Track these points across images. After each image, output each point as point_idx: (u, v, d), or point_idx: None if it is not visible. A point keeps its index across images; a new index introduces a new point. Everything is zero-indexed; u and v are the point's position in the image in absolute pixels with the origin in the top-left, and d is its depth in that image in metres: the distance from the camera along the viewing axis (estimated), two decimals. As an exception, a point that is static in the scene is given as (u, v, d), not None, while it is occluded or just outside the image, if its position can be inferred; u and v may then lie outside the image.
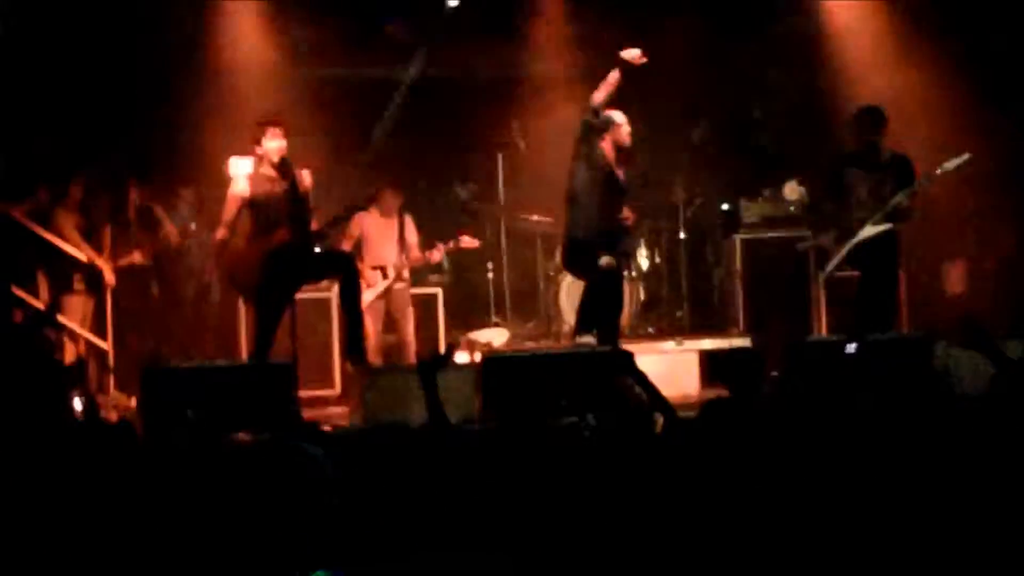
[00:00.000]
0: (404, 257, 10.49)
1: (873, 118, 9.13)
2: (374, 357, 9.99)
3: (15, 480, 4.67)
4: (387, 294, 10.44)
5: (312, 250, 8.77)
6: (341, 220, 9.48)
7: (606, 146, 8.80)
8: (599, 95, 8.63)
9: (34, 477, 4.69)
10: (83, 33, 10.51)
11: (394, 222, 10.54)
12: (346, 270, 8.86)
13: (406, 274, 10.53)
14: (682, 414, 5.09)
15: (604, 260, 8.71)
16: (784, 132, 11.60)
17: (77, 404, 8.46)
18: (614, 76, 8.60)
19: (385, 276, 10.42)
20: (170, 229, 10.61)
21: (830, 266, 9.30)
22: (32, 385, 8.65)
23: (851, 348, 7.61)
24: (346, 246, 10.23)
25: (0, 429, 5.87)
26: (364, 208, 10.13)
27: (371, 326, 10.00)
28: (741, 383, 5.54)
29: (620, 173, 8.90)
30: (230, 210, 8.53)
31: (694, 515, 4.00)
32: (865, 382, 7.09)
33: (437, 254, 10.64)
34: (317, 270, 9.05)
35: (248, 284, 8.66)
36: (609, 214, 8.84)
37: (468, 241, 10.70)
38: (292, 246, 8.50)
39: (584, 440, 5.20)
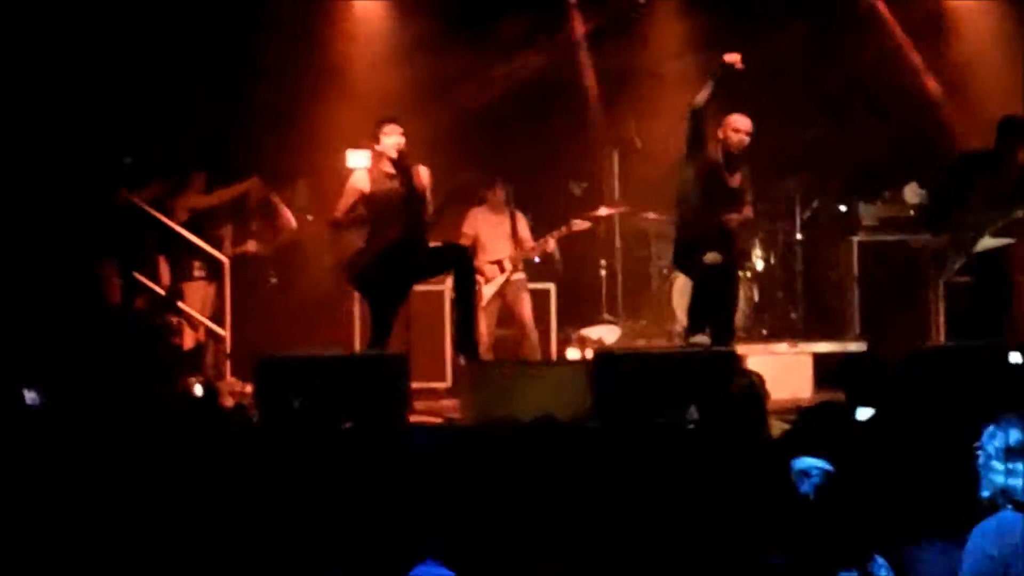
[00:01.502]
0: (519, 250, 10.53)
1: (1015, 127, 8.94)
2: (487, 353, 10.03)
3: (131, 460, 4.78)
4: (504, 288, 10.48)
5: (427, 246, 8.83)
6: (447, 205, 9.47)
7: (712, 147, 8.73)
8: (699, 96, 8.59)
9: (149, 458, 4.79)
10: (205, 28, 10.71)
11: (506, 217, 10.58)
12: (461, 264, 8.89)
13: (521, 267, 10.56)
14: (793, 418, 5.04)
15: (708, 257, 8.66)
16: (904, 133, 11.40)
17: (198, 389, 8.65)
18: (713, 78, 8.55)
19: (502, 270, 10.46)
20: (287, 218, 10.76)
21: (947, 273, 9.14)
22: (152, 369, 8.84)
23: (1016, 358, 7.44)
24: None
25: (121, 412, 5.99)
26: (465, 194, 10.09)
27: (485, 323, 10.05)
28: (856, 388, 5.47)
29: (729, 174, 8.79)
30: (347, 200, 8.63)
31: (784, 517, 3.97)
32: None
33: (551, 242, 10.65)
34: (433, 266, 9.07)
35: (365, 281, 8.76)
36: (714, 215, 8.76)
37: (579, 224, 10.68)
38: (407, 243, 8.58)
39: (688, 434, 5.18)
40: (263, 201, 10.81)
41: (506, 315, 10.57)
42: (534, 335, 10.51)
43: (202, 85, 10.85)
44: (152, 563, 3.98)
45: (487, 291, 10.16)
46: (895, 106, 11.34)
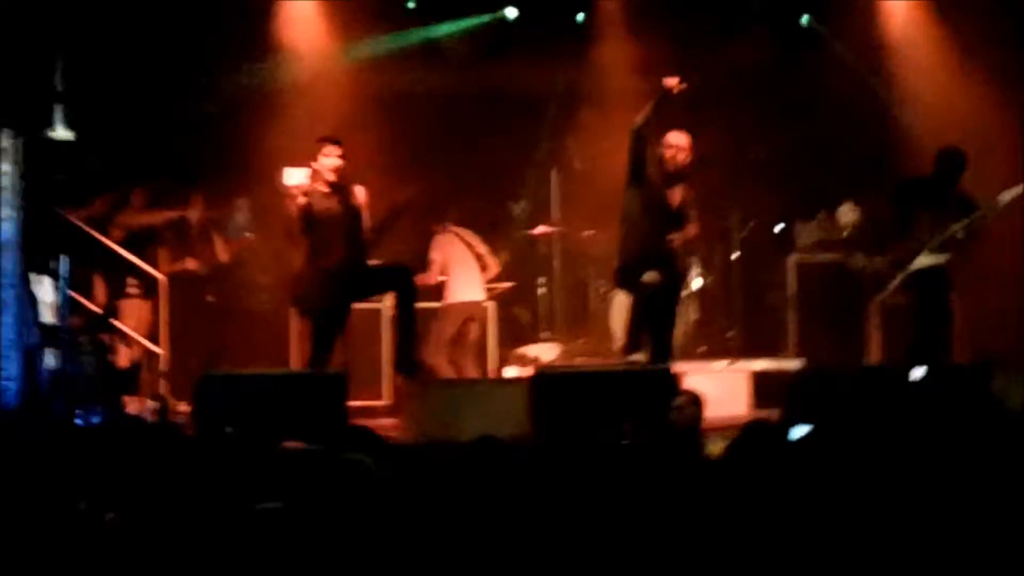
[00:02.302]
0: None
1: (954, 161, 9.05)
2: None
3: (67, 479, 4.73)
4: (472, 308, 10.58)
5: (367, 266, 8.81)
6: (387, 226, 9.49)
7: (653, 168, 8.78)
8: (638, 118, 8.65)
9: (89, 479, 4.75)
10: (146, 42, 10.64)
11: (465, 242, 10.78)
12: (402, 284, 8.87)
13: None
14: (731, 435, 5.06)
15: (647, 276, 8.70)
16: (839, 152, 11.52)
17: (150, 406, 8.60)
18: (654, 101, 8.62)
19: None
20: (220, 249, 10.72)
21: (885, 292, 9.23)
22: (88, 387, 8.75)
23: (917, 374, 7.54)
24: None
25: (56, 431, 5.94)
26: (404, 211, 10.14)
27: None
28: (793, 407, 5.52)
29: (669, 194, 8.83)
30: (300, 225, 8.55)
31: (731, 537, 3.98)
32: (923, 410, 7.02)
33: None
34: (374, 285, 9.06)
35: (306, 303, 8.74)
36: (657, 235, 8.80)
37: (543, 228, 10.81)
38: (349, 265, 8.56)
39: (625, 453, 5.19)
40: (203, 221, 10.76)
41: (457, 335, 10.59)
42: (473, 355, 10.59)
43: (144, 100, 10.76)
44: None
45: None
46: (832, 125, 11.45)
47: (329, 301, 8.58)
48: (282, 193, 8.63)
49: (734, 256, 11.41)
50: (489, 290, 10.84)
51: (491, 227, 11.37)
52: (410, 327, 8.80)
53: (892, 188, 9.45)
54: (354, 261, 8.63)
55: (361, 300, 9.06)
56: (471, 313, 10.62)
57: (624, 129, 8.83)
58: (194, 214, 10.70)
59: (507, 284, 11.00)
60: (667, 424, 5.95)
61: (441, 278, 10.62)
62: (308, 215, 8.50)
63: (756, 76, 11.41)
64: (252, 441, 6.00)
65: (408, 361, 8.82)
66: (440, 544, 3.63)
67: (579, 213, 11.33)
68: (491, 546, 3.71)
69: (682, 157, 8.76)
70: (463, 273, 10.63)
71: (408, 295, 8.82)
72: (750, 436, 4.75)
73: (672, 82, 8.56)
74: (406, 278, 8.95)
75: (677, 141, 8.77)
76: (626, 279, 9.02)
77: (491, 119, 11.66)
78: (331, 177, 8.51)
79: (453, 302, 10.61)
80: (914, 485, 4.22)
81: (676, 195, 8.84)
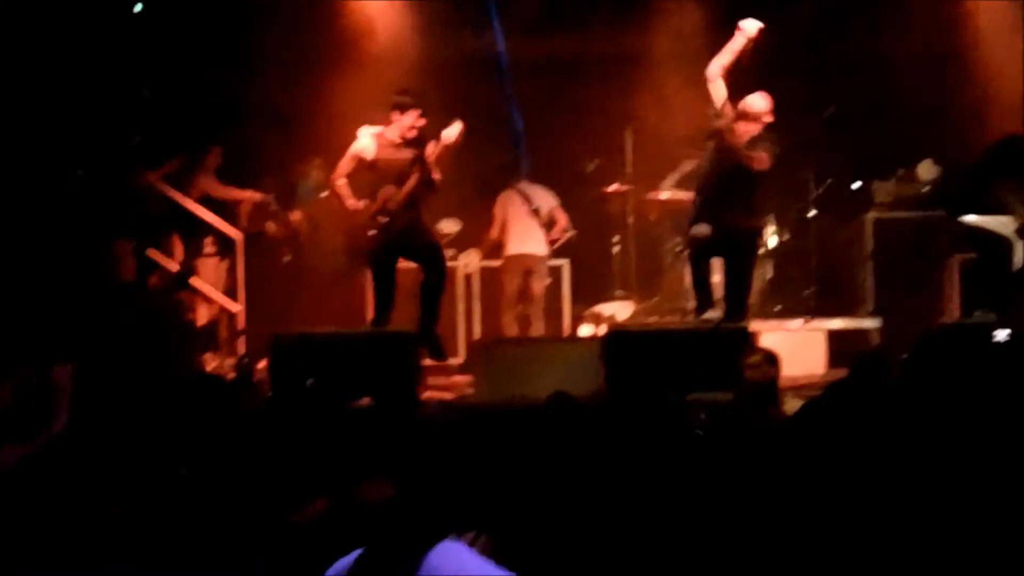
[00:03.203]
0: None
1: None
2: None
3: (146, 434, 4.80)
4: (527, 261, 10.51)
5: (420, 228, 8.73)
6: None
7: (729, 130, 8.57)
8: (712, 65, 8.42)
9: (162, 433, 4.81)
10: (221, 9, 10.72)
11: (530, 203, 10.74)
12: (433, 265, 8.70)
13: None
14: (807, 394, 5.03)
15: (695, 229, 8.58)
16: (918, 110, 11.35)
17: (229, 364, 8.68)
18: (732, 46, 8.39)
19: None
20: (295, 213, 10.79)
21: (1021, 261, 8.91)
22: (166, 345, 8.87)
23: (1001, 335, 7.41)
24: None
25: (135, 387, 6.02)
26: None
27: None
28: (867, 367, 5.46)
29: (745, 157, 8.60)
30: (345, 163, 8.57)
31: (810, 501, 3.96)
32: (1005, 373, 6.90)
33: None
34: (415, 252, 8.83)
35: (361, 248, 8.74)
36: (727, 195, 8.61)
37: (616, 187, 10.85)
38: (404, 218, 8.51)
39: (701, 415, 5.17)
40: (283, 182, 10.84)
41: (524, 289, 10.60)
42: (541, 312, 10.55)
43: (217, 61, 10.83)
44: (168, 539, 4.00)
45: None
46: (909, 82, 11.27)
47: (378, 248, 8.55)
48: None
49: (811, 214, 11.28)
50: (552, 243, 10.78)
51: (565, 185, 11.34)
52: (433, 307, 8.66)
53: (978, 150, 9.26)
54: (410, 219, 8.58)
55: (406, 258, 8.88)
56: (528, 266, 10.57)
57: (697, 86, 8.72)
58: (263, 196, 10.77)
59: (569, 233, 10.90)
60: (742, 382, 5.90)
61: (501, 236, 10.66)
62: (374, 167, 8.48)
63: (826, 31, 11.25)
64: (328, 398, 6.07)
65: (430, 340, 8.72)
66: (517, 503, 3.65)
67: (652, 171, 11.25)
68: (567, 505, 3.73)
69: (761, 124, 8.54)
70: (520, 228, 10.61)
71: (436, 275, 8.67)
72: (829, 397, 4.73)
73: (751, 25, 8.33)
74: (439, 261, 8.75)
75: (758, 107, 8.54)
76: (686, 237, 8.94)
77: (563, 81, 11.62)
78: (411, 134, 8.47)
79: (509, 255, 10.60)
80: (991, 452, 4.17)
81: (753, 158, 8.63)
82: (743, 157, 8.43)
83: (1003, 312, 8.38)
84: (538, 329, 10.50)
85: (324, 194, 10.86)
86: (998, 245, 8.81)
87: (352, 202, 8.56)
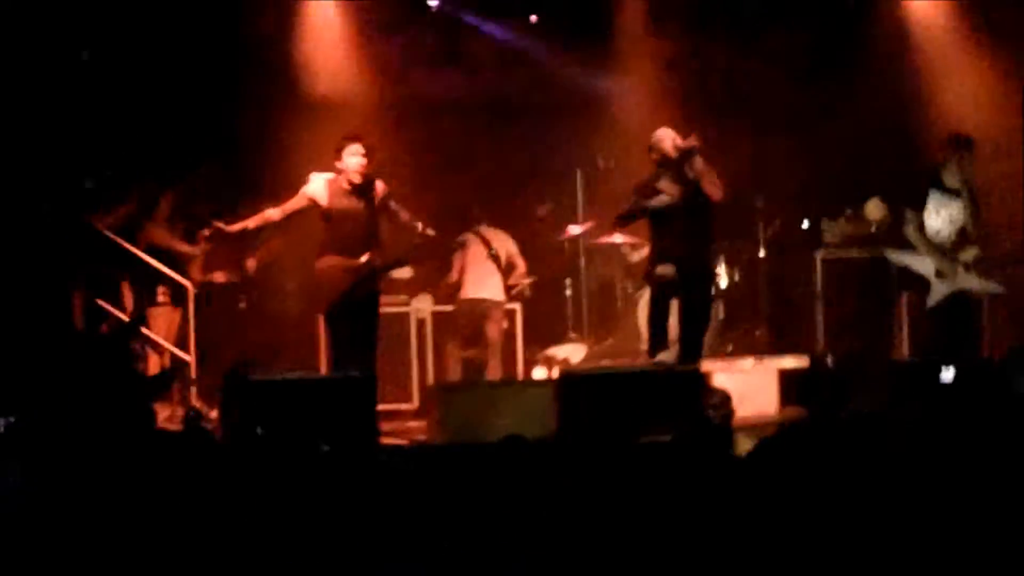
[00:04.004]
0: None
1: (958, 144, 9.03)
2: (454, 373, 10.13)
3: (100, 487, 4.75)
4: (479, 305, 10.51)
5: (380, 270, 8.82)
6: (400, 265, 9.53)
7: (651, 186, 8.83)
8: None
9: (118, 485, 4.77)
10: (172, 54, 10.70)
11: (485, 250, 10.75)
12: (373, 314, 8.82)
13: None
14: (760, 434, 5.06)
15: (660, 269, 8.71)
16: (865, 149, 11.48)
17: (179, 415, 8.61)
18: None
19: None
20: (248, 260, 10.75)
21: (933, 301, 9.07)
22: (116, 396, 8.79)
23: (948, 375, 7.48)
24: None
25: (86, 440, 5.96)
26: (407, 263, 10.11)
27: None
28: (821, 404, 5.49)
29: (678, 189, 8.76)
30: (294, 204, 8.61)
31: (770, 538, 3.98)
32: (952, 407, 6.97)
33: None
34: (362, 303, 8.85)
35: (319, 298, 8.74)
36: (678, 232, 8.76)
37: (577, 229, 11.01)
38: (376, 270, 8.58)
39: (656, 454, 5.18)
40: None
41: (474, 335, 10.59)
42: (497, 356, 10.55)
43: (168, 108, 10.81)
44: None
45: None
46: (858, 123, 11.40)
47: (346, 300, 8.57)
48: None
49: (760, 254, 11.37)
50: (509, 289, 10.80)
51: (517, 229, 11.39)
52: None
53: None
54: (379, 268, 8.65)
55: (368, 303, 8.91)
56: (484, 311, 10.57)
57: (646, 127, 8.83)
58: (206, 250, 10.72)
59: (527, 280, 10.93)
60: (703, 422, 5.93)
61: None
62: (328, 215, 8.52)
63: (774, 72, 11.39)
64: (282, 445, 6.04)
65: None
66: (468, 543, 3.65)
67: (604, 213, 11.32)
68: (517, 545, 3.73)
69: (671, 150, 8.70)
70: (478, 272, 10.62)
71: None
72: (783, 437, 4.75)
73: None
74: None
75: (663, 135, 8.72)
76: (648, 275, 9.02)
77: (513, 123, 11.68)
78: (356, 179, 8.51)
79: (463, 298, 10.61)
80: (939, 484, 4.20)
81: (683, 185, 8.74)
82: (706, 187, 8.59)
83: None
84: (494, 373, 10.50)
85: (274, 240, 10.85)
86: (918, 282, 9.02)
87: (248, 223, 8.70)
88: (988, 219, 9.32)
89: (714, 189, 8.63)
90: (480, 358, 10.64)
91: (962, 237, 8.96)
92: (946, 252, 8.90)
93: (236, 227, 8.80)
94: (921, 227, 8.92)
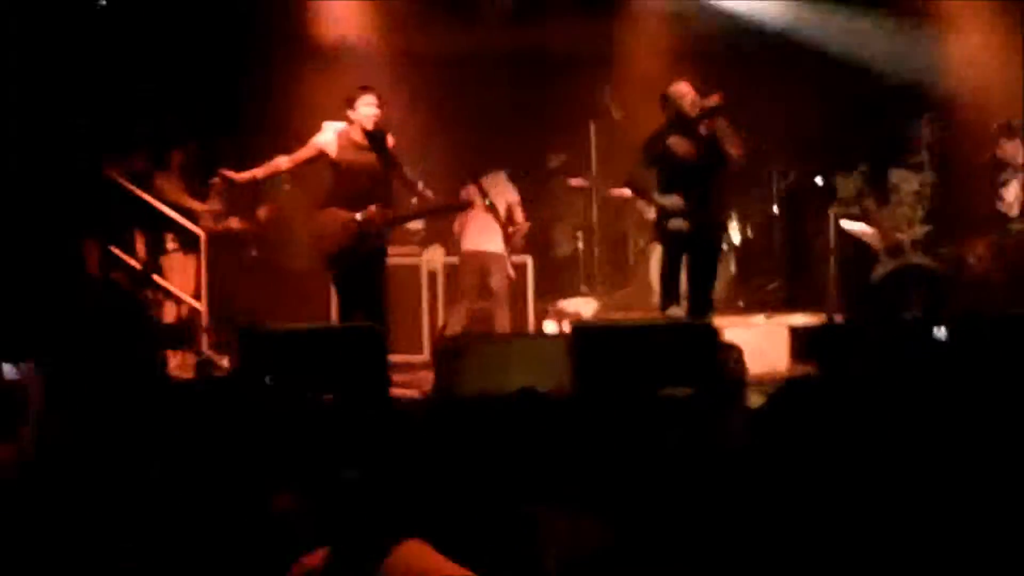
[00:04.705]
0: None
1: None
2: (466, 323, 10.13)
3: (111, 437, 4.77)
4: (484, 259, 10.46)
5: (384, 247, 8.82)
6: (434, 214, 9.50)
7: (665, 137, 8.79)
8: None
9: (129, 434, 4.79)
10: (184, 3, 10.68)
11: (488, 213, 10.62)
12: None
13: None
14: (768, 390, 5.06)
15: (672, 223, 8.70)
16: (882, 105, 11.42)
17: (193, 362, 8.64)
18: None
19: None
20: (261, 208, 10.74)
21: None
22: (129, 344, 8.82)
23: (940, 333, 7.49)
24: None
25: (98, 388, 5.99)
26: (463, 208, 10.02)
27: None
28: (831, 361, 5.49)
29: (690, 143, 8.75)
30: (303, 153, 8.58)
31: (778, 495, 3.98)
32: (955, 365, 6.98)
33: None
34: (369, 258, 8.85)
35: (324, 250, 8.73)
36: (687, 185, 8.76)
37: (578, 181, 10.71)
38: (381, 225, 8.56)
39: (670, 407, 5.19)
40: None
41: (484, 287, 10.57)
42: (504, 308, 10.52)
43: (185, 57, 10.79)
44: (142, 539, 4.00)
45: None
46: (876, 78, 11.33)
47: (350, 253, 8.57)
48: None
49: (774, 209, 11.34)
50: (507, 240, 10.71)
51: (528, 179, 11.36)
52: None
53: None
54: (385, 223, 8.63)
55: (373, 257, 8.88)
56: (483, 263, 10.51)
57: (661, 79, 8.78)
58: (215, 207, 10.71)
59: (522, 227, 10.81)
60: (719, 376, 5.93)
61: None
62: (337, 167, 8.50)
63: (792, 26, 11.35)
64: (292, 394, 6.05)
65: None
66: (481, 497, 3.65)
67: (618, 165, 11.28)
68: (532, 499, 3.74)
69: (694, 103, 8.65)
70: (476, 224, 10.53)
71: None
72: (790, 391, 4.75)
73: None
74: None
75: (678, 93, 8.67)
76: (661, 231, 9.00)
77: (528, 75, 11.64)
78: (369, 126, 8.47)
79: (464, 250, 10.56)
80: (942, 446, 4.20)
81: (696, 141, 8.73)
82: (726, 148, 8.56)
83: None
84: (501, 325, 10.49)
85: (287, 187, 10.84)
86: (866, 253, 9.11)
87: (256, 171, 8.69)
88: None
89: (736, 150, 8.61)
90: (488, 310, 10.62)
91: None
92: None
93: (245, 175, 8.76)
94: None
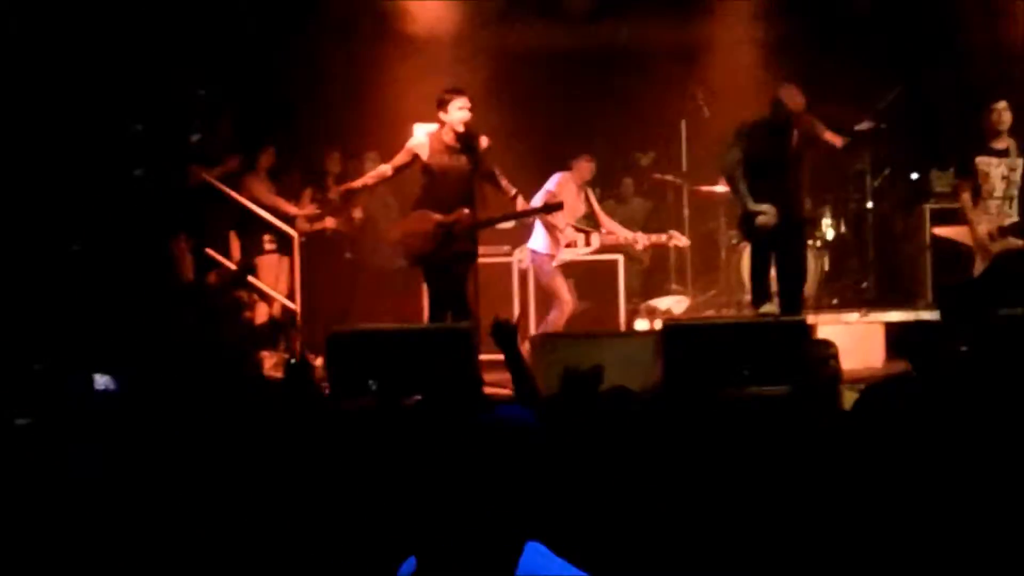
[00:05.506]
0: (605, 231, 10.49)
1: None
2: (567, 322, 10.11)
3: (203, 435, 4.83)
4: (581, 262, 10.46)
5: (480, 226, 8.85)
6: (518, 217, 9.52)
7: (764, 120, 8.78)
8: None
9: (220, 433, 4.85)
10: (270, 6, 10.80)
11: (583, 194, 10.54)
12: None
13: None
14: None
15: (760, 219, 8.67)
16: (978, 99, 11.24)
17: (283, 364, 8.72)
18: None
19: (588, 244, 10.40)
20: (356, 207, 10.82)
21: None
22: (223, 344, 8.93)
23: None
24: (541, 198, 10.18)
25: (192, 388, 6.07)
26: (555, 210, 9.98)
27: (565, 289, 10.08)
28: (925, 358, 5.40)
29: (783, 142, 8.72)
30: (401, 158, 8.69)
31: (871, 494, 3.95)
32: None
33: (640, 244, 10.64)
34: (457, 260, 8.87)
35: (413, 251, 8.78)
36: (772, 183, 8.73)
37: (677, 238, 10.68)
38: (470, 228, 8.61)
39: (762, 407, 5.15)
40: (342, 178, 10.89)
41: (580, 287, 10.50)
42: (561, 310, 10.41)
43: (270, 60, 10.91)
44: (230, 538, 4.04)
45: (566, 255, 10.25)
46: (972, 70, 11.15)
47: (438, 255, 8.63)
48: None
49: (868, 205, 11.21)
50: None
51: (618, 178, 11.33)
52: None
53: None
54: (475, 226, 8.69)
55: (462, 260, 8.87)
56: (538, 265, 10.45)
57: (750, 76, 8.73)
58: (331, 170, 10.80)
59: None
60: (812, 375, 5.87)
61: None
62: (428, 169, 8.57)
63: (882, 17, 11.19)
64: (390, 396, 6.08)
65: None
66: (583, 497, 3.66)
67: (708, 163, 11.23)
68: (626, 498, 3.74)
69: (794, 106, 8.62)
70: (567, 215, 10.45)
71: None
72: (880, 392, 4.70)
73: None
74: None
75: (789, 96, 8.62)
76: (746, 226, 8.95)
77: (618, 73, 11.61)
78: (460, 128, 8.53)
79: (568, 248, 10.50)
80: None
81: (792, 140, 8.71)
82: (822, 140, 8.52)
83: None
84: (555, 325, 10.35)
85: (380, 189, 10.88)
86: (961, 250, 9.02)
87: (367, 179, 8.96)
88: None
89: (836, 140, 8.73)
90: (587, 310, 10.56)
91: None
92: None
93: (357, 184, 9.06)
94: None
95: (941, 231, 9.19)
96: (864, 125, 8.93)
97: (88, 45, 9.44)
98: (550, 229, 10.22)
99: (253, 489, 4.39)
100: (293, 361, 9.18)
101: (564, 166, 10.53)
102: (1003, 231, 9.10)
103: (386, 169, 8.82)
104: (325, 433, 4.92)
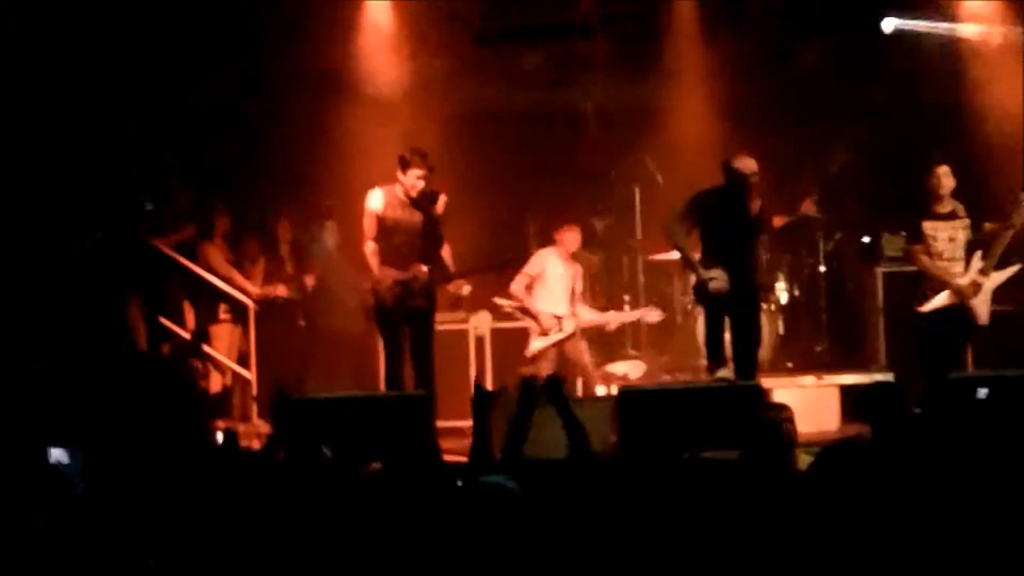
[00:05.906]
0: (576, 313, 10.36)
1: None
2: None
3: (157, 505, 4.79)
4: (560, 341, 10.39)
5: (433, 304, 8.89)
6: (485, 272, 9.54)
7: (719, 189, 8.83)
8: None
9: (174, 502, 4.80)
10: (226, 70, 10.81)
11: (573, 268, 10.40)
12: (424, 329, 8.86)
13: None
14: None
15: (713, 284, 8.72)
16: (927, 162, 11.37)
17: (218, 435, 8.64)
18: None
19: (560, 329, 10.33)
20: (308, 273, 10.80)
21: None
22: (176, 415, 8.85)
23: (982, 393, 7.44)
24: (522, 283, 10.19)
25: (145, 458, 6.01)
26: (507, 265, 9.95)
27: (545, 368, 9.98)
28: (882, 420, 5.44)
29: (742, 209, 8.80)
30: (369, 225, 8.72)
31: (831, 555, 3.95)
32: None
33: (612, 325, 10.64)
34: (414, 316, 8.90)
35: (369, 307, 8.90)
36: (731, 249, 8.80)
37: (653, 315, 10.66)
38: (425, 283, 8.64)
39: (716, 469, 5.15)
40: (295, 244, 10.88)
41: (562, 361, 10.42)
42: (595, 376, 10.43)
43: (224, 127, 10.93)
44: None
45: (538, 344, 10.18)
46: (919, 134, 11.29)
47: (395, 311, 8.65)
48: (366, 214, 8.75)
49: (821, 268, 11.29)
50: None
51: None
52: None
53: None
54: (432, 281, 8.73)
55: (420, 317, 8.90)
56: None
57: (703, 140, 8.81)
58: (283, 236, 10.79)
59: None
60: (767, 437, 5.88)
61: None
62: (382, 224, 8.61)
63: (836, 83, 11.32)
64: (344, 463, 6.04)
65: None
66: (535, 556, 3.64)
67: (662, 229, 11.27)
68: (583, 556, 3.72)
69: (746, 170, 8.71)
70: (552, 296, 10.41)
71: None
72: (835, 453, 4.71)
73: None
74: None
75: (747, 167, 8.71)
76: (702, 294, 9.00)
77: (570, 136, 11.69)
78: (414, 193, 8.62)
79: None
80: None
81: (746, 206, 8.81)
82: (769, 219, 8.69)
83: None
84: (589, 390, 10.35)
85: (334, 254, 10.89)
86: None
87: (378, 271, 8.75)
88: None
89: (779, 220, 8.97)
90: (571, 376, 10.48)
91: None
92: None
93: (374, 274, 8.82)
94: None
95: (927, 308, 9.21)
96: (809, 209, 9.03)
97: (43, 108, 9.43)
98: (532, 318, 10.22)
99: (210, 560, 4.35)
100: (230, 432, 9.11)
101: (548, 241, 10.49)
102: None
103: (372, 246, 8.78)
104: (282, 500, 4.88)
